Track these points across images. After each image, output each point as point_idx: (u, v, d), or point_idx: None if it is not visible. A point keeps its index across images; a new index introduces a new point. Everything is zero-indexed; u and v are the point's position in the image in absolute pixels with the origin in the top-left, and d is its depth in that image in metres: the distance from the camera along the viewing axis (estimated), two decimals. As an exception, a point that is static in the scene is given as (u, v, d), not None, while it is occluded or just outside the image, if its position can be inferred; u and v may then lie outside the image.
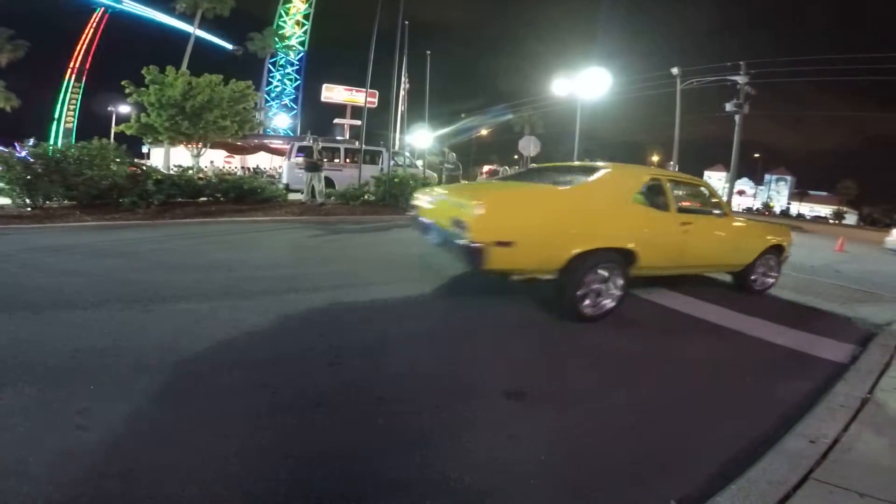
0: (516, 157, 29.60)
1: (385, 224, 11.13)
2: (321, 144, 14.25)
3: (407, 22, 16.70)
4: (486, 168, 39.41)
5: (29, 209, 10.03)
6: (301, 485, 2.11)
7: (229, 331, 3.83)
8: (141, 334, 3.72)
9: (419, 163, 23.57)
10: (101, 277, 5.56)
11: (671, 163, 28.92)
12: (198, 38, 40.00)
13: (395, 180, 13.99)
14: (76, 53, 48.35)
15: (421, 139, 40.69)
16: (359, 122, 44.11)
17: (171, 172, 13.17)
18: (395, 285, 5.76)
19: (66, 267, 6.37)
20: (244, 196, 12.27)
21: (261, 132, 32.17)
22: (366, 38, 15.56)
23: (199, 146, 19.67)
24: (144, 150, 24.56)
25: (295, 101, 56.72)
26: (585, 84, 29.34)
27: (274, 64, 55.25)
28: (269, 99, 53.78)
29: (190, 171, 12.58)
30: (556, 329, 4.55)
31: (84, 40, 48.60)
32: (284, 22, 56.34)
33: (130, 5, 48.69)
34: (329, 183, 15.57)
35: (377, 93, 43.82)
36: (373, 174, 15.63)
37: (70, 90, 47.96)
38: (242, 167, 26.21)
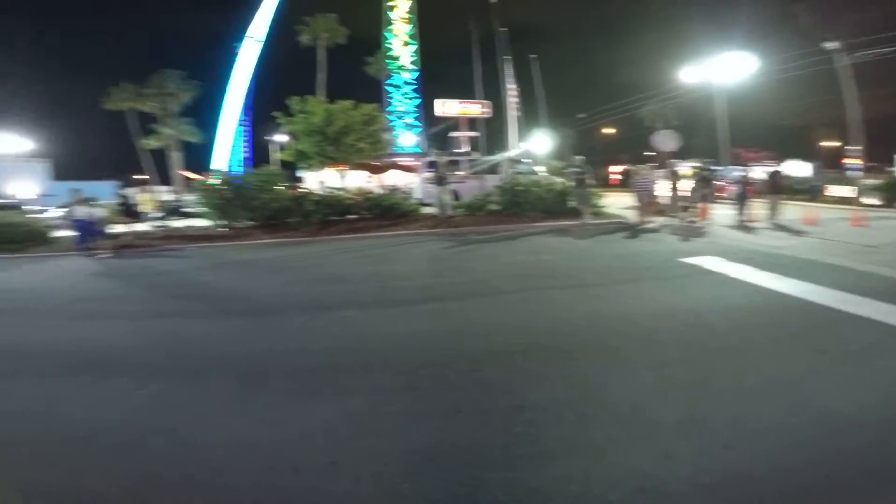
0: (649, 154, 27.31)
1: (511, 233, 11.29)
2: (445, 159, 14.95)
3: (505, 29, 16.66)
4: (616, 168, 37.22)
5: (225, 229, 12.50)
6: (441, 490, 2.14)
7: (381, 336, 4.38)
8: (312, 338, 4.46)
9: (541, 169, 23.26)
10: (279, 288, 6.73)
11: (851, 147, 24.02)
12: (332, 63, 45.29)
13: (519, 188, 14.04)
14: (237, 89, 57.33)
15: (539, 144, 40.03)
16: (475, 134, 45.40)
17: (324, 194, 15.10)
18: (526, 294, 5.85)
19: (251, 279, 7.81)
20: (385, 212, 13.50)
21: (390, 151, 34.95)
22: (469, 49, 15.91)
23: (344, 168, 21.94)
24: (299, 174, 28.25)
25: (417, 118, 60.22)
26: (723, 68, 26.04)
27: (391, 85, 59.50)
28: (392, 119, 58.14)
29: (338, 192, 14.29)
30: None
31: (240, 75, 57.28)
32: (391, 44, 60.58)
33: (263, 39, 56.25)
34: (455, 195, 16.27)
35: (490, 102, 44.60)
36: (495, 184, 15.90)
37: (241, 122, 57.18)
38: (380, 185, 28.75)
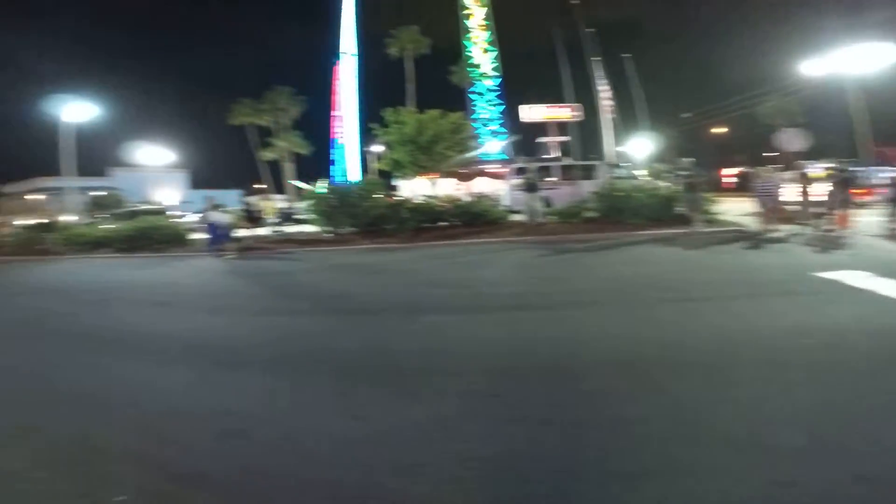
0: (770, 154, 24.25)
1: (610, 242, 10.65)
2: (535, 165, 14.63)
3: (592, 29, 15.75)
4: (731, 171, 33.59)
5: (331, 235, 13.51)
6: (525, 500, 2.07)
7: (473, 341, 4.36)
8: (406, 339, 4.56)
9: (642, 173, 21.78)
10: (377, 290, 7.05)
11: None
12: (418, 74, 46.89)
13: (619, 194, 13.22)
14: (337, 101, 61.52)
15: (638, 147, 37.62)
16: (565, 139, 43.98)
17: (417, 202, 15.61)
18: (625, 305, 5.43)
19: (354, 280, 8.29)
20: (473, 220, 13.58)
21: (477, 158, 35.28)
22: (554, 52, 15.38)
23: (435, 176, 22.58)
24: (396, 182, 29.63)
25: (502, 125, 60.03)
26: (856, 59, 22.15)
27: (475, 93, 59.97)
28: (478, 127, 58.61)
29: (430, 200, 14.69)
30: None
31: (340, 89, 61.27)
32: (471, 52, 60.80)
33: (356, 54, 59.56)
34: (546, 202, 15.82)
35: (581, 105, 42.89)
36: (591, 189, 15.16)
37: (338, 135, 61.27)
38: (468, 193, 29.15)
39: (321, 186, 19.13)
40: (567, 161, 20.65)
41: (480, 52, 58.62)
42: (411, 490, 2.16)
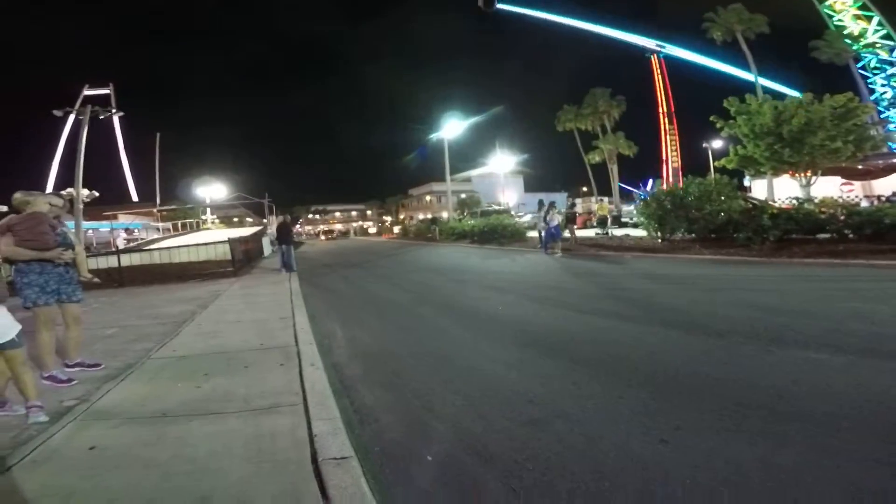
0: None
1: None
2: None
3: None
4: None
5: (659, 241, 12.33)
6: None
7: (862, 391, 2.93)
8: (757, 372, 3.42)
9: None
10: (717, 309, 5.71)
11: None
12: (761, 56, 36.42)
13: None
14: (659, 98, 55.52)
15: None
16: None
17: (782, 206, 12.22)
18: None
19: (685, 293, 7.10)
20: (885, 233, 9.38)
21: (885, 150, 24.83)
22: None
23: (808, 174, 17.43)
24: (746, 182, 24.49)
25: None
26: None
27: (864, 68, 42.03)
28: (882, 110, 41.31)
29: (807, 204, 11.10)
30: None
31: (659, 86, 54.88)
32: (840, 21, 41.59)
33: (673, 49, 50.52)
34: None
35: None
36: None
37: (668, 132, 55.55)
38: (866, 196, 20.92)
39: (653, 189, 17.91)
40: None
41: (851, 19, 41.02)
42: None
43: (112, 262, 11.83)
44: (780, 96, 17.87)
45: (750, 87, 31.72)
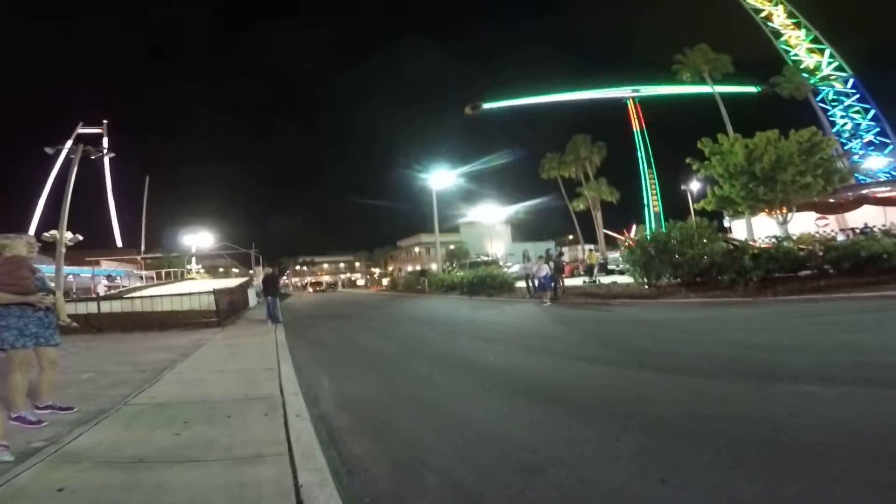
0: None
1: None
2: None
3: None
4: None
5: (646, 287, 12.44)
6: None
7: (857, 422, 2.94)
8: (750, 408, 3.42)
9: None
10: (707, 350, 5.75)
11: None
12: (729, 96, 38.65)
13: None
14: (637, 143, 57.60)
15: None
16: None
17: (762, 245, 12.55)
18: None
19: (674, 337, 7.07)
20: (862, 266, 9.65)
21: (853, 181, 26.13)
22: None
23: (784, 211, 17.81)
24: (725, 223, 25.15)
25: (881, 133, 43.16)
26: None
27: (823, 101, 45.35)
28: (844, 142, 43.87)
29: (786, 242, 11.40)
30: None
31: (636, 127, 57.24)
32: (796, 55, 45.59)
33: (648, 90, 53.55)
34: None
35: None
36: None
37: (647, 176, 57.16)
38: (841, 229, 21.65)
39: (637, 235, 18.32)
40: None
41: (805, 53, 45.02)
42: None
43: (92, 308, 11.48)
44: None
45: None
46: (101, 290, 26.74)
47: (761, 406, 3.45)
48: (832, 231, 21.19)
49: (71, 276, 30.40)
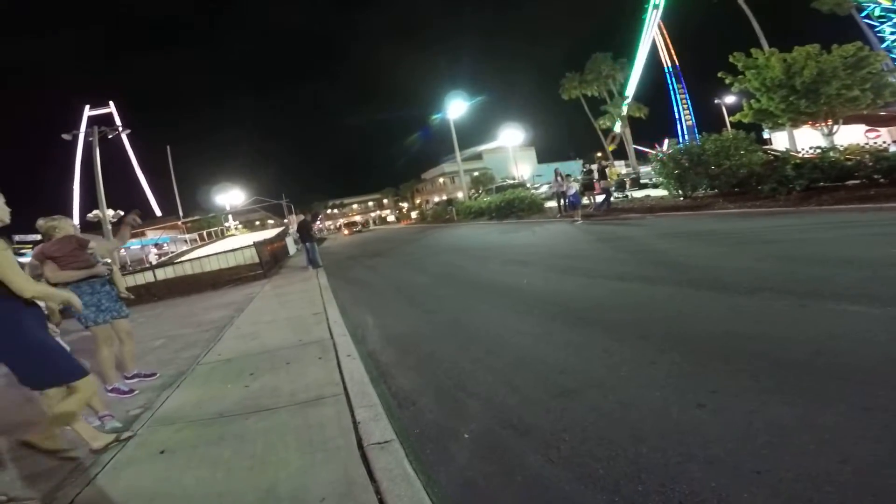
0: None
1: None
2: None
3: None
4: None
5: (681, 199, 12.04)
6: None
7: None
8: (793, 328, 3.30)
9: None
10: (748, 264, 5.53)
11: None
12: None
13: None
14: (665, 57, 52.79)
15: None
16: None
17: (806, 155, 11.76)
18: None
19: (712, 250, 6.89)
20: None
21: None
22: None
23: (829, 123, 16.90)
24: (765, 136, 23.74)
25: None
26: None
27: (869, 17, 39.50)
28: (895, 57, 39.33)
29: (832, 153, 10.59)
30: None
31: (660, 43, 51.97)
32: None
33: None
34: None
35: None
36: None
37: (677, 91, 52.92)
38: (894, 141, 20.10)
39: (669, 147, 17.53)
40: None
41: None
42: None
43: (149, 277, 12.32)
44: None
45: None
46: (153, 259, 28.41)
47: (802, 327, 3.33)
48: (884, 143, 19.58)
49: (123, 251, 32.40)
